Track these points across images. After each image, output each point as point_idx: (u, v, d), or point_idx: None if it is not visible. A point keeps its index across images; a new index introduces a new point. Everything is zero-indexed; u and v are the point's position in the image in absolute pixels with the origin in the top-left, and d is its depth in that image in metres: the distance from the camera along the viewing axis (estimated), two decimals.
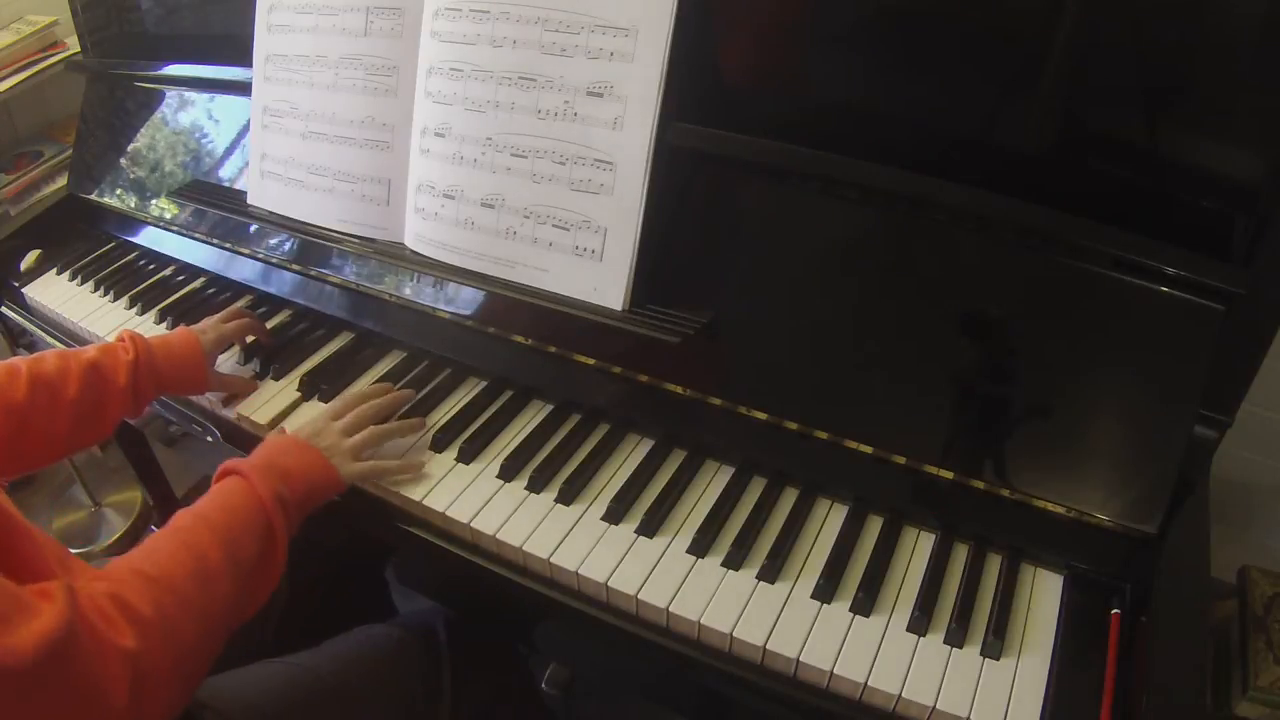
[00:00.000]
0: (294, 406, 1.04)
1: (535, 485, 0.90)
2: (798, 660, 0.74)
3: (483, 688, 0.99)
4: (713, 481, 0.91)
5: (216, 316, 1.09)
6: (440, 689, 0.93)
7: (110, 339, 1.19)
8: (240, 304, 1.24)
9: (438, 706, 0.92)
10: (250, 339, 1.13)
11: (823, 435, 0.86)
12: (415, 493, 0.90)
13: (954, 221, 0.83)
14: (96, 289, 1.30)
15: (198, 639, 0.67)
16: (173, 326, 1.19)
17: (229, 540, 0.73)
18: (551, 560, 0.83)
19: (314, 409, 1.03)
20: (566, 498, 0.88)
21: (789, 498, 0.89)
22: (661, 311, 0.91)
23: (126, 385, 0.92)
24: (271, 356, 1.10)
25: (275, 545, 0.76)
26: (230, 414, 1.05)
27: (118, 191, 1.38)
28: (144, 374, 0.94)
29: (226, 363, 1.11)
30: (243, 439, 1.04)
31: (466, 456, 0.93)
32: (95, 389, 0.90)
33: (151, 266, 1.34)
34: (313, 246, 1.13)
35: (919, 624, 0.76)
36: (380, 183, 1.06)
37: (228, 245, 1.23)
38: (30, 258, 1.40)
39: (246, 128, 1.19)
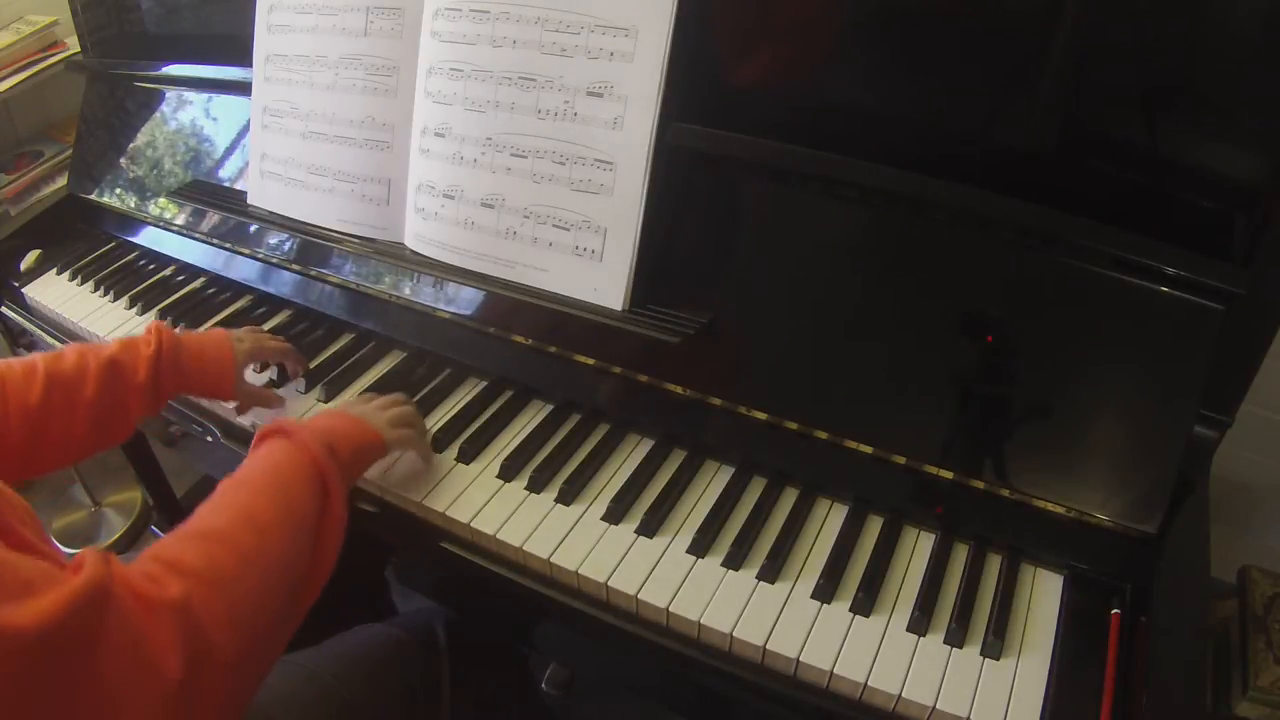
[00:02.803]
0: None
1: (535, 485, 0.90)
2: (798, 660, 0.74)
3: (483, 688, 0.98)
4: (713, 481, 0.91)
5: (263, 333, 1.05)
6: (440, 689, 0.93)
7: (110, 339, 1.19)
8: (240, 303, 1.24)
9: (438, 706, 0.92)
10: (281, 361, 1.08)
11: (823, 435, 0.86)
12: (415, 493, 0.90)
13: (954, 221, 0.83)
14: (96, 289, 1.30)
15: (260, 593, 0.63)
16: (173, 327, 1.19)
17: (277, 490, 0.69)
18: (551, 560, 0.83)
19: (314, 408, 1.03)
20: (566, 498, 0.88)
21: (789, 498, 0.89)
22: (661, 311, 0.91)
23: (146, 380, 0.88)
24: None
25: (331, 497, 0.72)
26: (228, 411, 1.05)
27: (117, 191, 1.38)
28: (166, 368, 0.90)
29: None
30: (243, 438, 1.04)
31: (466, 456, 0.93)
32: (114, 388, 0.87)
33: (151, 266, 1.34)
34: (313, 246, 1.13)
35: (919, 624, 0.76)
36: (380, 183, 1.06)
37: (228, 245, 1.23)
38: (30, 258, 1.40)
39: (246, 128, 1.19)
